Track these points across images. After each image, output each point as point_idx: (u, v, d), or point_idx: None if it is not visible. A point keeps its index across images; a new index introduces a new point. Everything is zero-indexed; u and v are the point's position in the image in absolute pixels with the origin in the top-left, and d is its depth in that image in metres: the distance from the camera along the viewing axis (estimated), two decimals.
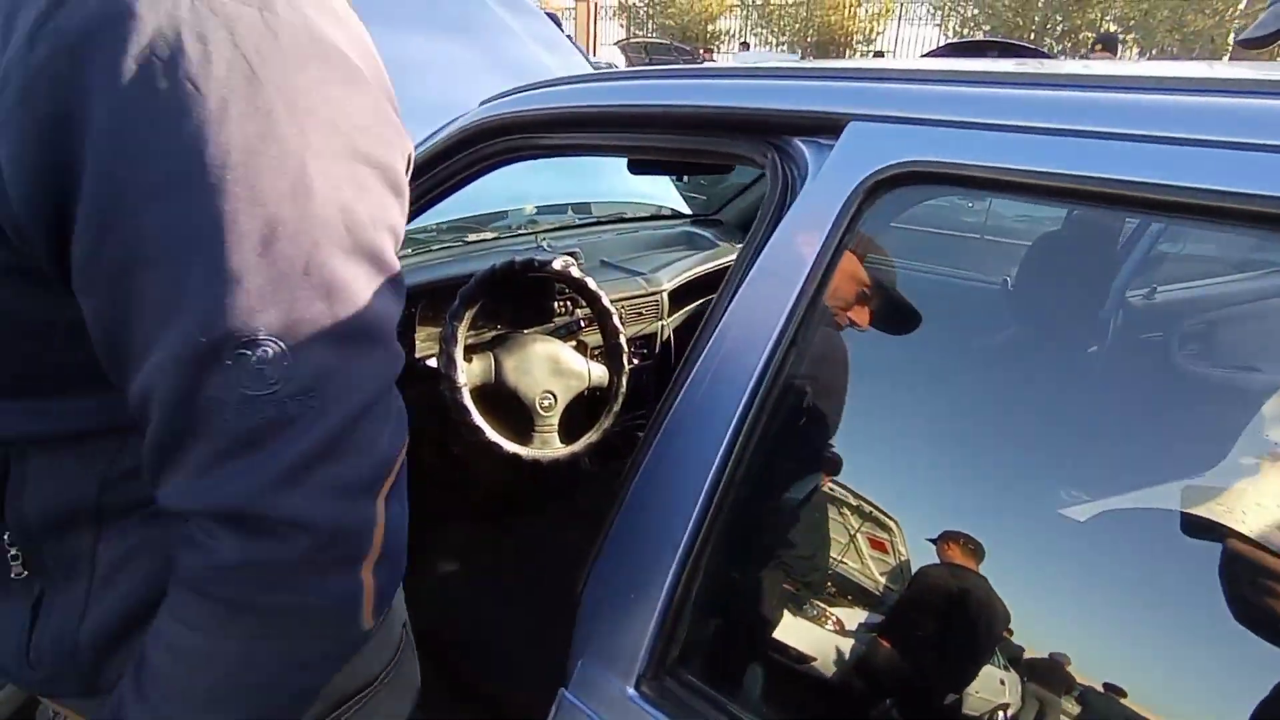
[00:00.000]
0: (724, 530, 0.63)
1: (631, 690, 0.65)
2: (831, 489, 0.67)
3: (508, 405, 1.35)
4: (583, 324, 1.63)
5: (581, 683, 0.68)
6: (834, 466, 0.67)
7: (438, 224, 1.85)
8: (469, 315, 1.32)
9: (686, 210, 2.42)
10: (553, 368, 1.39)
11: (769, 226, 0.67)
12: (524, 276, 1.42)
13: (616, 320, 1.51)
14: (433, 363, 1.36)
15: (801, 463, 0.68)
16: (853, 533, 0.65)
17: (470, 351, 1.38)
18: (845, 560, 0.64)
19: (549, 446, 1.35)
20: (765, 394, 0.62)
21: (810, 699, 0.63)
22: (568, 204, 2.31)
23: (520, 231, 2.04)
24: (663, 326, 1.91)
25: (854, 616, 0.66)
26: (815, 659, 0.63)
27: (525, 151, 0.99)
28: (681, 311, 1.96)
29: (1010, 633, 0.61)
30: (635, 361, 1.82)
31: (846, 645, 0.64)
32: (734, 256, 1.82)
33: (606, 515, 0.72)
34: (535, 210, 2.17)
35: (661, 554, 0.65)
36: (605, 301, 1.54)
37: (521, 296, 1.60)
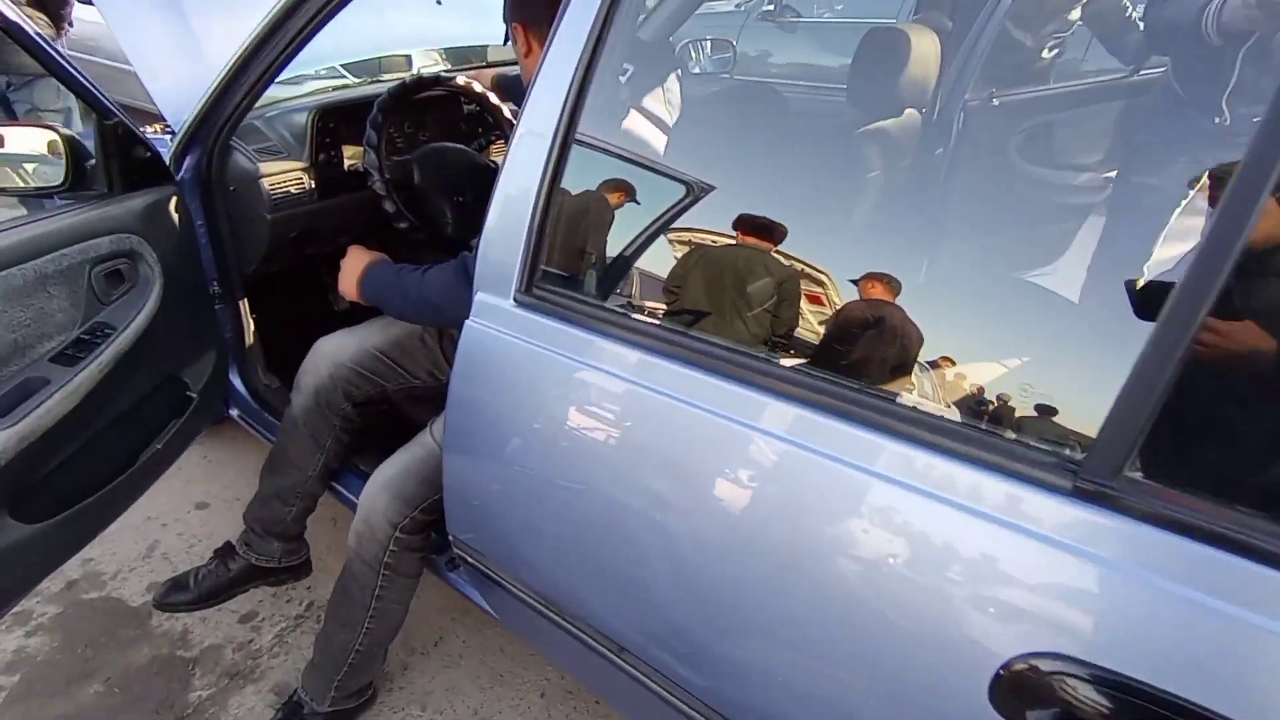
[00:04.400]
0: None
1: (511, 302, 0.96)
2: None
3: (431, 204, 1.60)
4: (493, 140, 1.86)
5: (478, 310, 0.99)
6: None
7: (345, 64, 2.04)
8: (386, 124, 1.55)
9: None
10: (465, 170, 1.64)
11: None
12: (432, 90, 1.64)
13: None
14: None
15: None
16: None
17: (391, 158, 1.61)
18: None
19: (466, 236, 1.62)
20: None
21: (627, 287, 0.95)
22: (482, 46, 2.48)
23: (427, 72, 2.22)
24: None
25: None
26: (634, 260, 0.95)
27: None
28: None
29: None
30: None
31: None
32: None
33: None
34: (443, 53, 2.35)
35: (526, 208, 0.94)
36: (506, 113, 1.78)
37: (438, 120, 1.82)
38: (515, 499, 1.01)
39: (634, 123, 1.04)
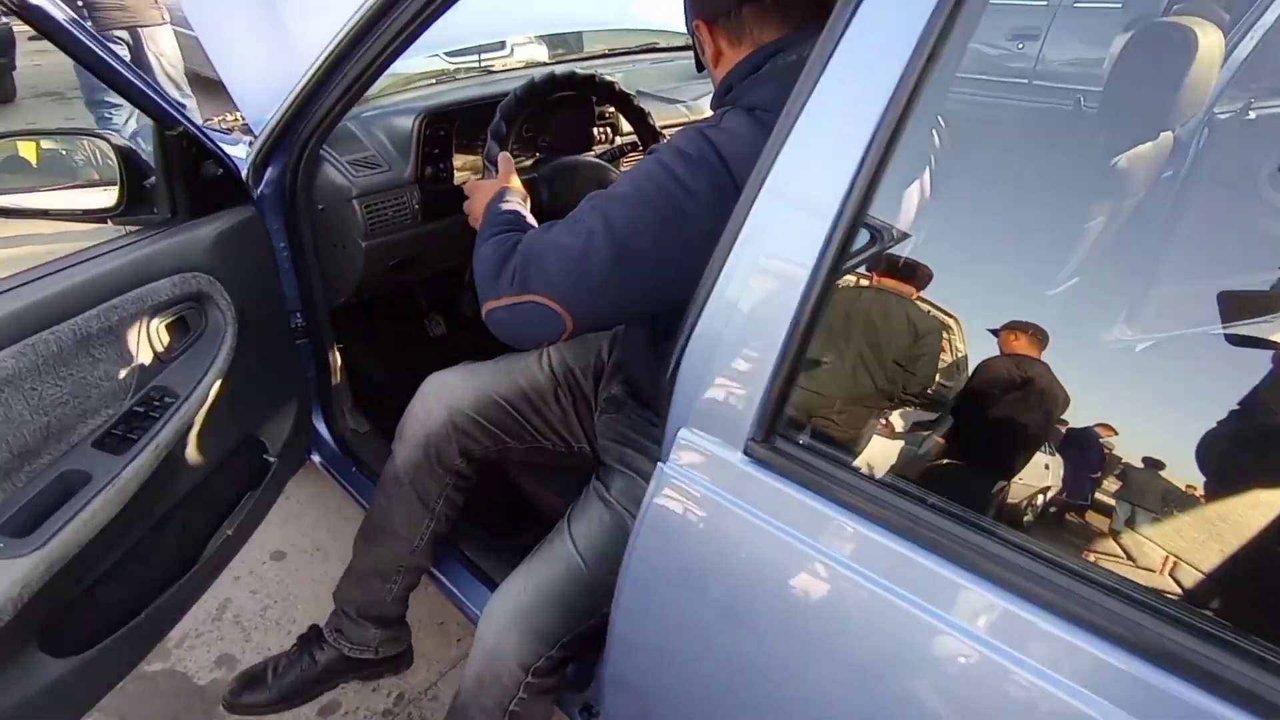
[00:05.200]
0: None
1: (739, 455, 0.61)
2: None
3: None
4: (625, 151, 1.52)
5: (681, 452, 0.65)
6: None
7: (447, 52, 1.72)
8: (508, 132, 1.22)
9: None
10: (598, 187, 1.30)
11: None
12: (565, 92, 1.30)
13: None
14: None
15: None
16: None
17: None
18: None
19: None
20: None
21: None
22: (593, 31, 2.13)
23: (546, 62, 1.89)
24: None
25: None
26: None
27: None
28: None
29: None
30: None
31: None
32: None
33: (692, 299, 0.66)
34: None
35: (784, 315, 0.58)
36: (651, 119, 1.43)
37: (562, 122, 1.49)
38: None
39: (963, 191, 0.67)
